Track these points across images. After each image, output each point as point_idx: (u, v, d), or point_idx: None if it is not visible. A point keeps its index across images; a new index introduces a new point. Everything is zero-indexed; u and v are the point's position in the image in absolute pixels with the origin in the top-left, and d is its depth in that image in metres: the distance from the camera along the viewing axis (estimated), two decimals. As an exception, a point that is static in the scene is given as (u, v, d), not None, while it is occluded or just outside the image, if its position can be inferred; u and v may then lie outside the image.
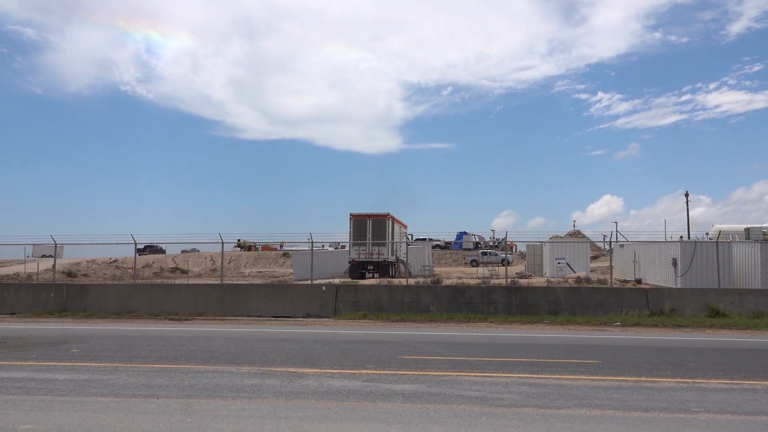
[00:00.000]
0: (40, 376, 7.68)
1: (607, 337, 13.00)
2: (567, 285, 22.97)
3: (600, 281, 26.34)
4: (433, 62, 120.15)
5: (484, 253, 49.96)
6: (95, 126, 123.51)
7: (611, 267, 22.18)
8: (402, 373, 7.91)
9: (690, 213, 53.94)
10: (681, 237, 34.95)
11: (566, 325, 15.44)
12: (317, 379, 7.45)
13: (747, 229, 37.60)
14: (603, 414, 5.77)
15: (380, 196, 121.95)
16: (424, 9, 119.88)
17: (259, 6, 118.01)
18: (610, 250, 23.52)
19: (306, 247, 24.36)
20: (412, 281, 22.04)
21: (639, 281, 27.32)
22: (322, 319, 17.09)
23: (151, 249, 56.20)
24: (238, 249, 61.43)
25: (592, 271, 32.63)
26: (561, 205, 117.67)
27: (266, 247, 60.16)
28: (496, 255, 46.87)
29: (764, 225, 38.04)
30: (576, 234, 48.97)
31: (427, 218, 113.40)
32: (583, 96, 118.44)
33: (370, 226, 34.21)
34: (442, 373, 7.92)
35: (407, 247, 28.23)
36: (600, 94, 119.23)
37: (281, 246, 50.87)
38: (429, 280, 26.99)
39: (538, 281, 28.03)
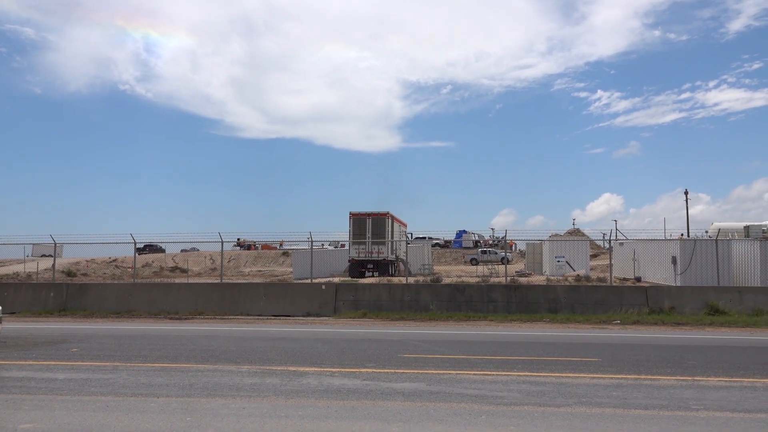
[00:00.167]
0: (40, 375, 7.68)
1: (607, 335, 13.01)
2: (566, 283, 22.98)
3: (599, 279, 26.36)
4: (433, 61, 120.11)
5: (484, 252, 49.98)
6: (94, 125, 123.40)
7: (611, 265, 22.19)
8: (402, 371, 7.92)
9: (689, 211, 53.96)
10: (681, 235, 34.96)
11: (566, 323, 15.46)
12: (317, 377, 7.46)
13: (746, 227, 37.61)
14: (603, 412, 5.78)
15: (380, 195, 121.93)
16: (423, 8, 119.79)
17: (258, 5, 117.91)
18: (610, 249, 23.52)
19: (306, 246, 24.38)
20: (411, 280, 22.05)
21: (638, 279, 27.34)
22: (321, 318, 17.10)
23: (150, 248, 56.16)
24: (238, 248, 61.42)
25: (591, 269, 32.65)
26: (561, 204, 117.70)
27: (266, 246, 60.14)
28: (496, 253, 46.89)
29: (764, 223, 38.06)
30: (575, 232, 48.99)
31: (427, 217, 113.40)
32: (583, 94, 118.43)
33: (369, 225, 34.21)
34: (441, 372, 7.92)
35: (407, 246, 28.22)
36: (599, 93, 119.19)
37: (281, 245, 50.88)
38: (429, 278, 27.00)
39: (537, 280, 28.05)
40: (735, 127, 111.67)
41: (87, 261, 46.05)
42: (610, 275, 21.44)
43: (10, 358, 9.16)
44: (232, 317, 17.39)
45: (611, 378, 7.57)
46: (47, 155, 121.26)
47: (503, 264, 24.65)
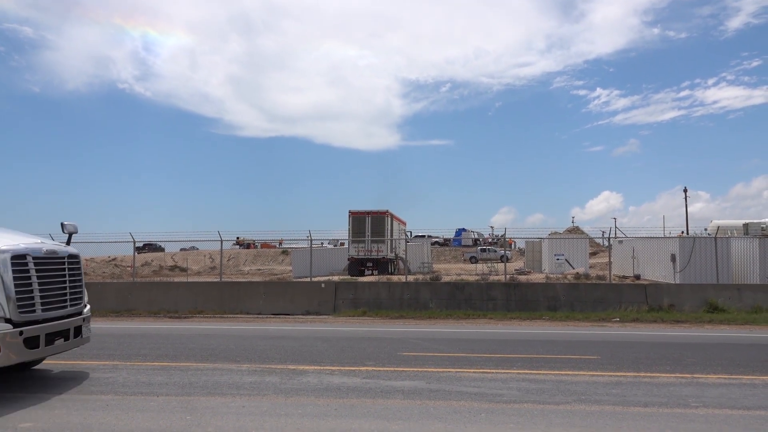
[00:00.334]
0: (39, 374, 7.67)
1: (606, 332, 13.03)
2: (566, 281, 23.00)
3: (599, 277, 26.38)
4: (432, 59, 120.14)
5: (483, 250, 50.03)
6: (93, 124, 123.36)
7: (610, 263, 22.21)
8: (401, 369, 7.93)
9: (689, 209, 54.00)
10: (682, 233, 34.95)
11: (565, 321, 15.47)
12: (317, 376, 7.46)
13: (745, 225, 37.59)
14: (602, 409, 5.79)
15: (379, 193, 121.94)
16: (422, 5, 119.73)
17: (256, 3, 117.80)
18: (609, 247, 23.54)
19: (305, 245, 24.39)
20: (411, 278, 22.06)
21: (638, 277, 27.36)
22: (321, 317, 17.10)
23: (149, 247, 56.06)
24: (237, 247, 61.38)
25: (591, 267, 32.67)
26: (560, 202, 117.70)
27: (265, 245, 60.09)
28: (495, 251, 46.92)
29: (763, 220, 38.05)
30: (575, 230, 48.94)
31: (426, 215, 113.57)
32: (582, 92, 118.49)
33: (369, 224, 34.23)
34: (441, 370, 7.93)
35: (406, 244, 28.20)
36: (598, 90, 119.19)
37: (280, 243, 50.81)
38: (428, 276, 27.01)
39: (537, 277, 28.06)
40: (734, 124, 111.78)
41: (86, 260, 45.98)
42: (610, 273, 21.46)
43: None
44: (231, 316, 17.39)
45: (610, 375, 7.58)
46: (46, 154, 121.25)
47: (502, 262, 24.67)
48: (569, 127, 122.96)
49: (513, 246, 54.31)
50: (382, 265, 34.63)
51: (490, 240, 56.65)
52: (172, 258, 53.49)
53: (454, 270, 37.82)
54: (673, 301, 17.08)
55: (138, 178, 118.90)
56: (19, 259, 6.14)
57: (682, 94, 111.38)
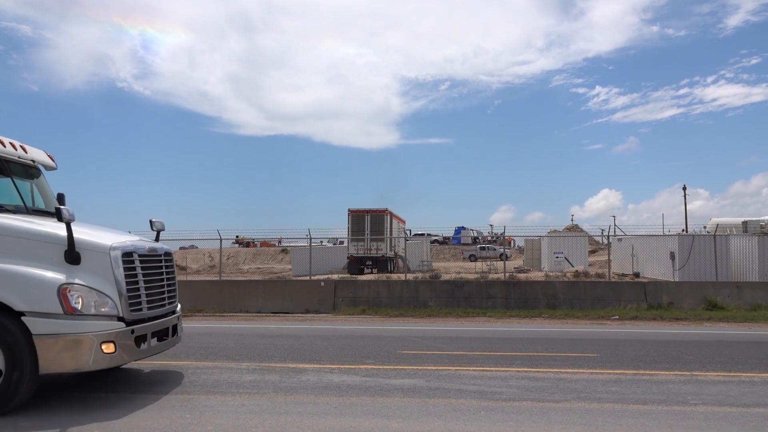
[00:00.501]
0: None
1: (606, 330, 13.04)
2: (565, 279, 23.01)
3: (598, 275, 26.38)
4: (431, 57, 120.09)
5: (483, 248, 50.07)
6: (92, 123, 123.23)
7: (609, 261, 22.24)
8: (401, 367, 7.93)
9: (688, 206, 54.01)
10: (683, 230, 34.98)
11: (564, 318, 15.48)
12: (316, 374, 7.46)
13: (744, 222, 37.67)
14: (601, 407, 5.79)
15: (378, 191, 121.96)
16: (421, 4, 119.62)
17: (255, 2, 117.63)
18: (608, 244, 23.56)
19: (304, 243, 24.39)
20: (410, 276, 22.06)
21: (637, 275, 27.39)
22: (320, 315, 17.10)
23: (149, 246, 55.91)
24: (237, 245, 61.37)
25: (590, 265, 32.68)
26: (559, 200, 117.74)
27: (264, 244, 60.10)
28: (495, 250, 46.95)
29: (762, 218, 38.11)
30: (574, 228, 48.97)
31: (426, 213, 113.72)
32: (581, 90, 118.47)
33: (368, 222, 34.22)
34: (440, 368, 7.94)
35: (405, 243, 28.19)
36: (598, 88, 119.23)
37: (279, 242, 50.85)
38: (427, 275, 27.02)
39: (536, 276, 28.09)
40: (733, 122, 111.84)
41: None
42: (609, 271, 21.49)
43: None
44: (231, 314, 17.38)
45: (610, 373, 7.58)
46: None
47: (502, 260, 24.68)
48: (568, 125, 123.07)
49: (512, 244, 54.31)
50: (381, 264, 34.65)
51: (489, 238, 56.68)
52: (171, 257, 53.34)
53: (453, 268, 37.84)
54: (673, 299, 17.09)
55: (137, 176, 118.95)
56: (127, 256, 6.00)
57: (682, 92, 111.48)
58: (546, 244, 34.33)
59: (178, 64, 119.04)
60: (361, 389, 6.58)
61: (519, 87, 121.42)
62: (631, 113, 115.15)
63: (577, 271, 28.53)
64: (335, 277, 25.82)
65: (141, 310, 6.09)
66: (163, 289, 6.62)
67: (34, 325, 5.36)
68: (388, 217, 35.15)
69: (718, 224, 33.13)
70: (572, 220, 59.53)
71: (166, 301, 6.72)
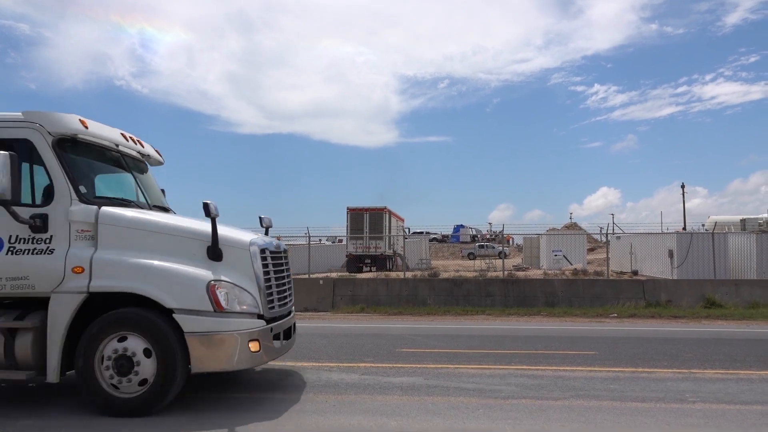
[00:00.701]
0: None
1: (604, 328, 13.05)
2: (564, 277, 23.03)
3: (597, 273, 26.39)
4: (430, 55, 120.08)
5: (481, 246, 50.05)
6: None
7: (608, 259, 22.27)
8: (400, 365, 7.93)
9: (686, 204, 54.13)
10: (684, 229, 35.03)
11: (563, 316, 15.50)
12: (315, 372, 7.46)
13: (743, 220, 37.70)
14: (600, 405, 5.80)
15: (377, 190, 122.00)
16: (420, 3, 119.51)
17: (254, 1, 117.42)
18: (607, 242, 23.59)
19: (303, 242, 24.39)
20: (409, 274, 22.07)
21: (635, 273, 27.40)
22: (319, 313, 17.10)
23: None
24: (235, 244, 61.14)
25: (588, 263, 32.69)
26: (558, 198, 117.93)
27: (263, 242, 59.92)
28: (493, 248, 46.93)
29: (760, 216, 38.15)
30: (573, 226, 48.97)
31: (424, 211, 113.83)
32: (580, 88, 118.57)
33: (367, 220, 34.20)
34: (439, 366, 7.94)
35: (404, 241, 28.16)
36: (596, 86, 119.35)
37: (278, 240, 50.71)
38: (426, 273, 27.02)
39: (535, 273, 28.09)
40: (732, 120, 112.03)
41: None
42: (607, 269, 21.51)
43: None
44: (229, 313, 17.35)
45: (608, 371, 7.59)
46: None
47: (500, 258, 24.68)
48: (567, 123, 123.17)
49: (511, 242, 54.36)
50: (380, 262, 34.63)
51: (488, 236, 56.69)
52: (170, 255, 53.32)
53: (452, 266, 37.84)
54: (671, 297, 17.12)
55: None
56: (263, 252, 5.85)
57: (680, 90, 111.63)
58: (545, 242, 34.33)
59: (176, 63, 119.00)
60: (359, 387, 6.58)
61: (518, 85, 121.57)
62: (629, 111, 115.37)
63: (575, 269, 28.54)
64: (334, 275, 25.80)
65: (274, 308, 5.95)
66: (285, 287, 6.41)
67: (185, 322, 5.21)
68: (387, 216, 35.13)
69: (716, 222, 33.21)
70: (571, 218, 59.65)
71: (288, 299, 6.53)
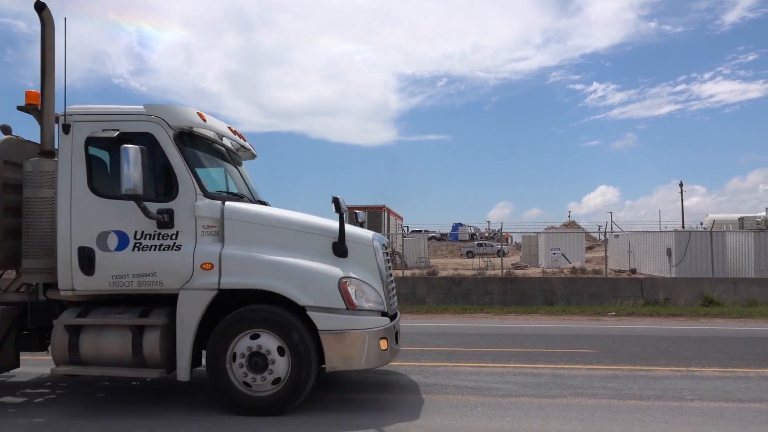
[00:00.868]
0: (36, 371, 7.65)
1: (602, 326, 13.07)
2: (562, 275, 23.06)
3: (595, 271, 26.42)
4: (429, 54, 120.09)
5: (480, 245, 50.01)
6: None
7: (606, 257, 22.31)
8: (398, 364, 7.92)
9: (685, 203, 54.17)
10: (682, 227, 35.08)
11: (561, 315, 15.51)
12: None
13: (741, 219, 37.73)
14: (598, 403, 5.81)
15: (376, 188, 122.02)
16: (419, 1, 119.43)
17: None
18: (605, 241, 23.62)
19: (302, 240, 24.36)
20: (408, 273, 22.07)
21: (634, 271, 27.43)
22: (318, 312, 17.07)
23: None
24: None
25: (587, 261, 32.71)
26: (556, 196, 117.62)
27: (262, 240, 59.90)
28: (492, 246, 46.92)
29: (758, 214, 38.19)
30: (571, 224, 48.99)
31: (423, 210, 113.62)
32: (578, 86, 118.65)
33: (365, 219, 34.18)
34: (438, 364, 7.95)
35: (403, 239, 28.20)
36: (595, 85, 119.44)
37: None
38: (425, 271, 27.04)
39: (533, 272, 28.11)
40: (730, 118, 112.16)
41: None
42: (606, 267, 21.55)
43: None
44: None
45: (607, 369, 7.60)
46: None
47: (499, 256, 24.70)
48: (566, 121, 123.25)
49: (509, 240, 54.37)
50: (379, 260, 34.57)
51: (486, 235, 56.68)
52: (168, 253, 53.29)
53: (450, 265, 37.81)
54: (669, 295, 17.14)
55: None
56: (383, 248, 5.74)
57: (679, 88, 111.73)
58: (543, 240, 34.32)
59: (175, 61, 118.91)
60: (357, 385, 6.57)
61: (516, 83, 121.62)
62: (628, 109, 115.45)
63: (574, 267, 28.56)
64: (333, 273, 25.74)
65: (393, 304, 5.86)
66: (393, 284, 6.21)
67: (320, 320, 5.11)
68: (386, 214, 35.11)
69: (714, 220, 33.22)
70: (569, 216, 59.60)
71: (395, 297, 6.33)
